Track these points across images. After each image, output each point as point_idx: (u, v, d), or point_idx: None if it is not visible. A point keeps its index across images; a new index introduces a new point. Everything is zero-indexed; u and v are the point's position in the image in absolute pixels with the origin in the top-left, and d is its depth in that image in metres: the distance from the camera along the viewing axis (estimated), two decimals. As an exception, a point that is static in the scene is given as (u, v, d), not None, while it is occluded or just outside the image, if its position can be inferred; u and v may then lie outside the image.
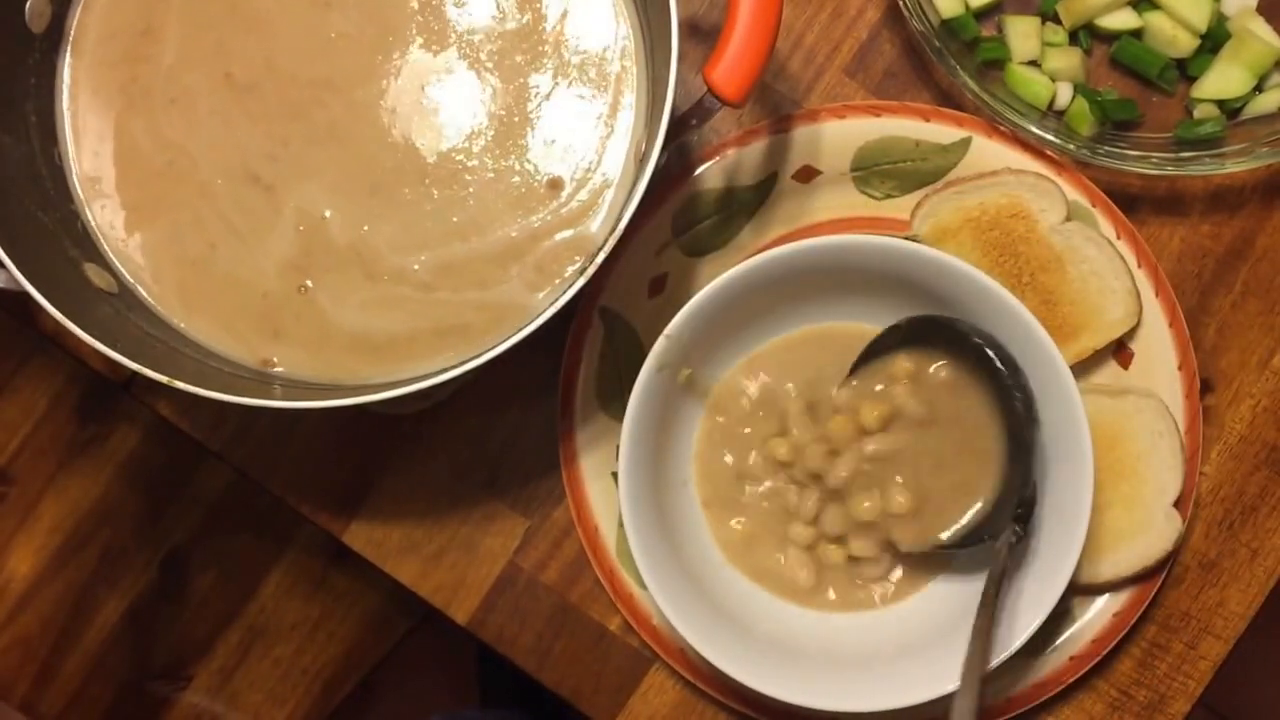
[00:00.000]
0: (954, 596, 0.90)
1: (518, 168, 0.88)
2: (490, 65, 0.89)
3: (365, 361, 0.87)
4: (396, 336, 0.87)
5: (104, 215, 0.88)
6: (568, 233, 0.87)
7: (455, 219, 0.88)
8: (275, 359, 0.87)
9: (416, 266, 0.87)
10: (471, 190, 0.88)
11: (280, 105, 0.89)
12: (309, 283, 0.87)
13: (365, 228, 0.88)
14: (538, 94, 0.89)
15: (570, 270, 0.87)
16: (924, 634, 0.89)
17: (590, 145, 0.88)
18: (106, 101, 0.88)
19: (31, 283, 0.76)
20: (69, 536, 1.86)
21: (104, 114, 0.89)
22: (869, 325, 0.90)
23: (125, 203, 0.88)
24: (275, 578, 1.88)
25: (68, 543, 1.86)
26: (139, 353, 0.78)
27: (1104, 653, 0.92)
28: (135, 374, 0.77)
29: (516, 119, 0.89)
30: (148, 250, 0.88)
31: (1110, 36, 0.96)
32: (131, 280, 0.87)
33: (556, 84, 0.88)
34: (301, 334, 0.88)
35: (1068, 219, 0.91)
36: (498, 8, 0.89)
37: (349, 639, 1.90)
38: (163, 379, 0.76)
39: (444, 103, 0.89)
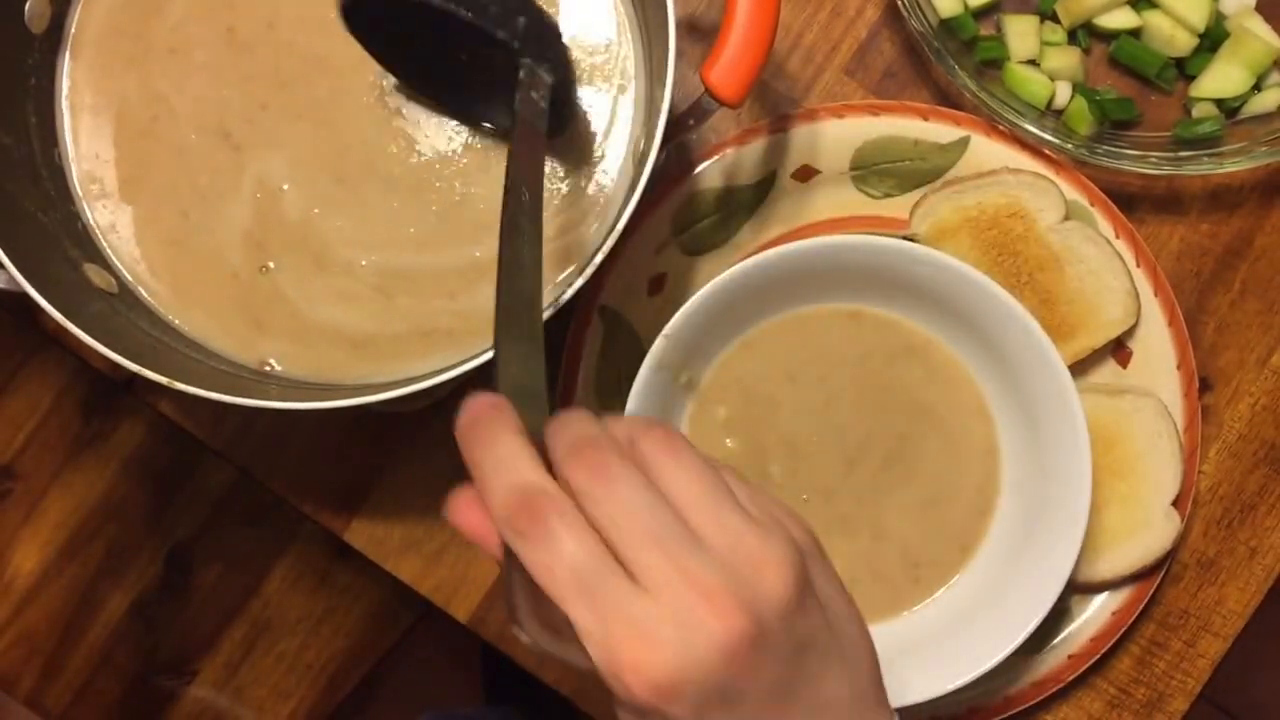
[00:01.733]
0: (954, 602, 0.90)
1: (487, 194, 0.88)
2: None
3: (354, 359, 0.87)
4: (375, 335, 0.87)
5: (103, 214, 0.88)
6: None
7: (411, 230, 0.88)
8: (271, 359, 0.87)
9: (364, 263, 0.87)
10: (434, 209, 0.88)
11: (271, 70, 0.89)
12: (270, 264, 0.87)
13: (316, 210, 0.88)
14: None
15: (561, 276, 0.87)
16: (922, 635, 0.89)
17: (580, 158, 0.88)
18: (107, 98, 0.89)
19: (32, 284, 0.76)
20: (74, 532, 1.87)
21: (105, 105, 0.89)
22: (864, 306, 0.91)
23: (119, 176, 0.88)
24: (279, 572, 1.89)
25: (73, 538, 1.87)
26: (139, 353, 0.78)
27: (1102, 651, 0.92)
28: (136, 374, 0.77)
29: (493, 154, 0.89)
30: (139, 235, 0.88)
31: (1109, 35, 0.95)
32: (129, 277, 0.87)
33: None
34: (279, 324, 0.88)
35: (1066, 218, 0.91)
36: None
37: (353, 633, 1.91)
38: (163, 380, 0.77)
39: (425, 115, 0.89)
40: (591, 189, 0.88)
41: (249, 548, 1.88)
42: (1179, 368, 0.92)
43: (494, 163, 0.88)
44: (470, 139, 0.89)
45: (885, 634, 0.90)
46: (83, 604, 1.88)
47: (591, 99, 0.89)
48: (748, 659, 0.53)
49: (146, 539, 1.88)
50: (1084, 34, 0.96)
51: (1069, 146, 0.90)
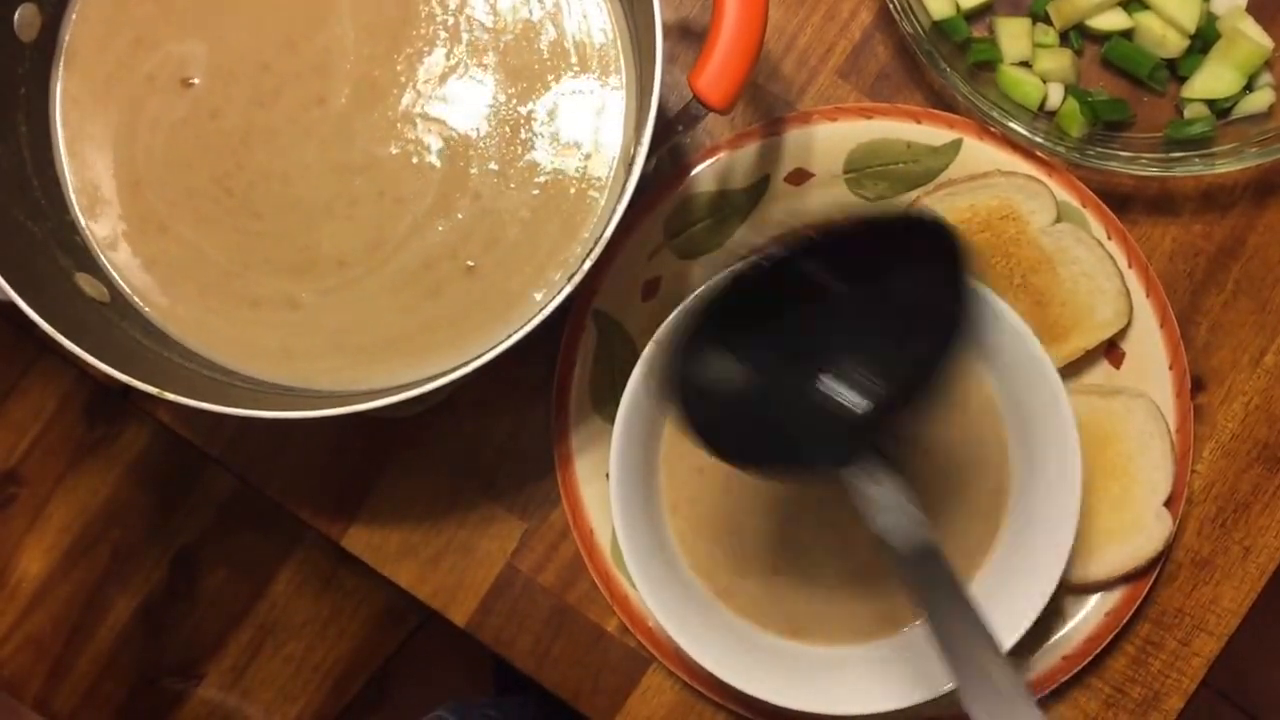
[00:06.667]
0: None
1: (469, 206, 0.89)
2: (472, 80, 0.89)
3: (350, 365, 0.88)
4: (370, 342, 0.88)
5: (100, 223, 0.88)
6: None
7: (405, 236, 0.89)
8: (268, 366, 0.87)
9: (361, 270, 0.88)
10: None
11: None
12: (270, 271, 0.88)
13: (318, 215, 0.89)
14: (508, 129, 0.89)
15: (553, 280, 0.87)
16: (917, 638, 0.89)
17: (571, 163, 0.88)
18: (104, 106, 0.88)
19: (20, 294, 0.76)
20: (80, 536, 1.87)
21: (102, 114, 0.88)
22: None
23: (118, 185, 0.88)
24: (285, 575, 1.90)
25: (78, 542, 1.87)
26: (129, 362, 0.78)
27: (1097, 651, 0.92)
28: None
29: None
30: (136, 244, 0.88)
31: (1101, 37, 0.95)
32: (125, 286, 0.87)
33: (541, 95, 0.89)
34: (277, 332, 0.88)
35: (1058, 220, 0.91)
36: (488, 13, 0.89)
37: (359, 635, 1.91)
38: (152, 390, 0.77)
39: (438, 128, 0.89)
40: (582, 193, 0.88)
41: (254, 551, 1.88)
42: (1171, 368, 0.92)
43: (500, 190, 0.89)
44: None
45: (882, 642, 0.91)
46: (89, 608, 1.89)
47: (583, 102, 0.89)
48: None
49: (152, 543, 1.88)
50: (1076, 35, 0.96)
51: (1061, 148, 0.90)
